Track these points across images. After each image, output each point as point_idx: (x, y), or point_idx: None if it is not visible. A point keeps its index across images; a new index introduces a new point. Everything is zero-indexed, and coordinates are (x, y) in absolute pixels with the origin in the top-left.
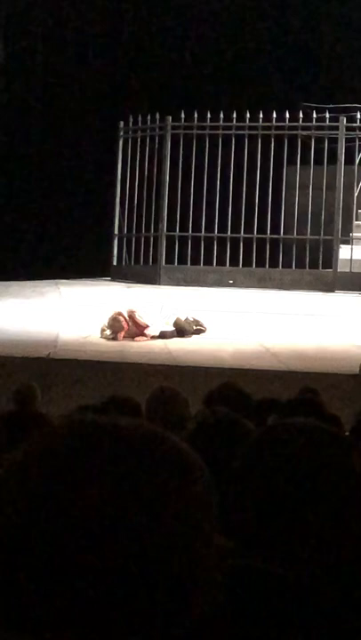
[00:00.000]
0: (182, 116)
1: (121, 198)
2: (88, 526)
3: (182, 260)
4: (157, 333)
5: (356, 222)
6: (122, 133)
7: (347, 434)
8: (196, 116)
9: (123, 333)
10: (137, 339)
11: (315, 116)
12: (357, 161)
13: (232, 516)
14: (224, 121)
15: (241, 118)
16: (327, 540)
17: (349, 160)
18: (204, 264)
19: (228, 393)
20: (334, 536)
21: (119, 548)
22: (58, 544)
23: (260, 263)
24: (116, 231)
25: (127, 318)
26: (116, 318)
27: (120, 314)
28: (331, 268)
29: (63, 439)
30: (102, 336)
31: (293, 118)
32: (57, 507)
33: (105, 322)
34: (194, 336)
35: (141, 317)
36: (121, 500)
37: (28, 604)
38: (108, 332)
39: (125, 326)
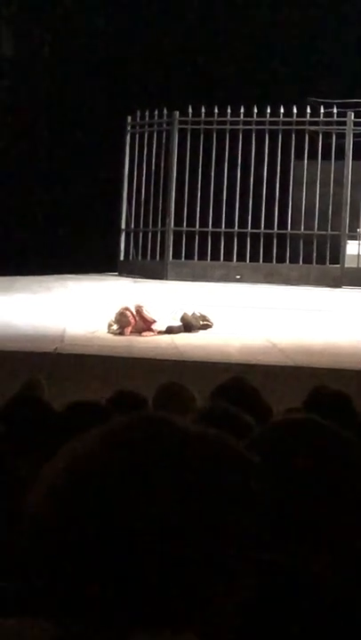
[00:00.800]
0: (190, 110)
1: (128, 193)
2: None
3: (189, 255)
4: (164, 328)
5: None
6: (129, 128)
7: None
8: (203, 110)
9: (130, 328)
10: (144, 334)
11: (322, 111)
12: None
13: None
14: (231, 116)
15: (249, 113)
16: (342, 535)
17: (357, 155)
18: (211, 259)
19: (236, 388)
20: (346, 532)
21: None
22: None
23: (268, 258)
24: (124, 226)
25: (134, 313)
26: (124, 313)
27: (127, 309)
28: (338, 263)
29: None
30: (109, 331)
31: (301, 113)
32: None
33: (112, 317)
34: (201, 331)
35: (148, 312)
36: (184, 496)
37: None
38: (115, 326)
39: (133, 321)
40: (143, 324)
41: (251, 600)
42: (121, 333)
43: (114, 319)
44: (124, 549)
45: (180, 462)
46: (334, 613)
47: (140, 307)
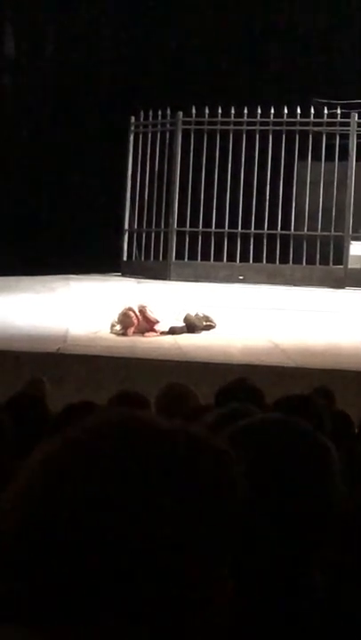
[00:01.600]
0: (193, 111)
1: (131, 193)
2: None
3: (192, 256)
4: (167, 329)
5: None
6: (133, 128)
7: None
8: (207, 111)
9: (133, 329)
10: (147, 334)
11: (326, 111)
12: None
13: None
14: (235, 116)
15: (252, 114)
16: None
17: None
18: (214, 260)
19: (240, 389)
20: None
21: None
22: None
23: (271, 259)
24: (127, 226)
25: (137, 314)
26: (127, 314)
27: (130, 309)
28: (341, 264)
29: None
30: (112, 331)
31: (305, 114)
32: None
33: (115, 317)
34: (204, 332)
35: (152, 313)
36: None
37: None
38: (117, 327)
39: (135, 322)
40: (146, 325)
41: (240, 602)
42: (124, 334)
43: (117, 319)
44: (107, 548)
45: (157, 460)
46: (332, 614)
47: (143, 307)
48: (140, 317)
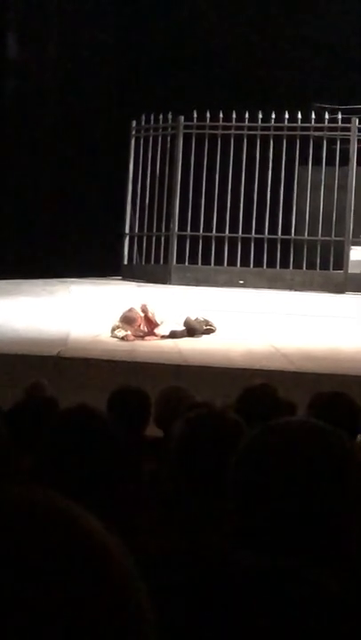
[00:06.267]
0: (194, 115)
1: (132, 197)
2: None
3: (193, 260)
4: (167, 333)
5: None
6: (134, 132)
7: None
8: (208, 115)
9: (133, 333)
10: (147, 338)
11: (327, 116)
12: None
13: (237, 511)
14: (236, 121)
15: (253, 118)
16: (334, 534)
17: None
18: (214, 264)
19: (262, 394)
20: (339, 530)
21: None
22: None
23: (271, 264)
24: (127, 230)
25: (140, 314)
26: (131, 310)
27: (133, 309)
28: (341, 269)
29: None
30: (112, 335)
31: (306, 119)
32: None
33: (116, 321)
34: (204, 336)
35: (153, 315)
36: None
37: None
38: (117, 331)
39: (138, 320)
40: (147, 327)
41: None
42: (123, 338)
43: (119, 318)
44: None
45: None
46: (335, 618)
47: (145, 307)
48: (142, 316)
